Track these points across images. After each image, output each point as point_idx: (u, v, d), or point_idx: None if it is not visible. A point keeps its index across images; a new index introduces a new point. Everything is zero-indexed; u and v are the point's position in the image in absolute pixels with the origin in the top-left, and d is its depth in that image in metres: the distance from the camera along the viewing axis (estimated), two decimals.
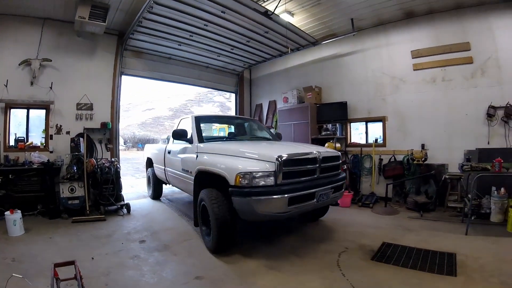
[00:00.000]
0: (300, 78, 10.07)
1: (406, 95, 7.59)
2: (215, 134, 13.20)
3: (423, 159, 6.94)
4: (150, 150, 8.46)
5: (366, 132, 8.67)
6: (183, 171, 5.57)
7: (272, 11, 6.62)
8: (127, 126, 52.22)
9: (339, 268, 3.76)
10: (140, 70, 9.11)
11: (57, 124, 7.20)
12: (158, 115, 60.93)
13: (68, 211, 6.12)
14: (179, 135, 5.39)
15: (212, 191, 4.28)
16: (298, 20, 7.73)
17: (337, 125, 8.66)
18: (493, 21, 6.38)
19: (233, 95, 12.49)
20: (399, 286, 3.24)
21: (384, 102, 7.99)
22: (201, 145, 5.10)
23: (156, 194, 8.20)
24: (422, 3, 6.78)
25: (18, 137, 6.79)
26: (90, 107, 7.63)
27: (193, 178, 4.90)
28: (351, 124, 8.92)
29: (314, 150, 4.47)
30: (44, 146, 7.06)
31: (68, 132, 7.27)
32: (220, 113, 42.90)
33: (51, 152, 6.99)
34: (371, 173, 7.94)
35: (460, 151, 6.46)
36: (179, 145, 5.95)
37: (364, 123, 8.66)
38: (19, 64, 6.68)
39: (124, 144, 42.76)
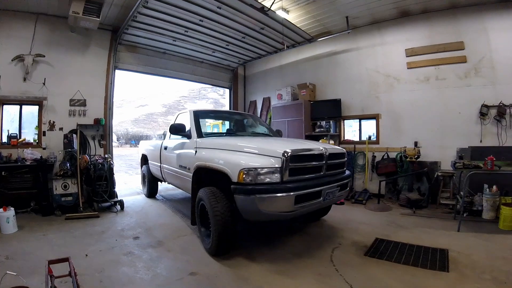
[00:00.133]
0: (295, 75, 10.08)
1: (400, 93, 7.64)
2: (209, 131, 13.11)
3: (416, 156, 7.01)
4: (145, 147, 8.22)
5: (360, 130, 8.72)
6: (181, 168, 5.34)
7: (269, 7, 6.61)
8: (120, 123, 52.01)
9: (332, 263, 3.78)
10: (134, 64, 9.05)
11: (50, 121, 7.14)
12: (151, 112, 60.74)
13: (62, 208, 6.08)
14: (177, 129, 5.12)
15: (212, 189, 4.04)
16: (293, 17, 7.72)
17: (331, 122, 8.73)
18: (488, 21, 6.45)
19: (227, 91, 12.48)
20: (392, 281, 3.27)
21: (378, 100, 8.04)
22: (200, 140, 4.88)
23: (151, 192, 7.99)
24: (417, 2, 6.83)
25: (11, 134, 6.71)
26: (83, 103, 7.58)
27: (191, 175, 4.65)
28: (345, 121, 8.97)
29: (320, 146, 4.26)
30: (37, 142, 7.00)
31: (61, 129, 7.22)
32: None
33: (44, 148, 6.92)
34: (364, 170, 7.99)
35: (453, 149, 6.55)
36: (176, 140, 5.73)
37: (358, 120, 8.72)
38: (12, 60, 6.60)
39: (117, 140, 42.61)
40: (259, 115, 11.27)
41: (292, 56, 10.10)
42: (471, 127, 6.57)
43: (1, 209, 4.91)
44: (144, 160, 8.08)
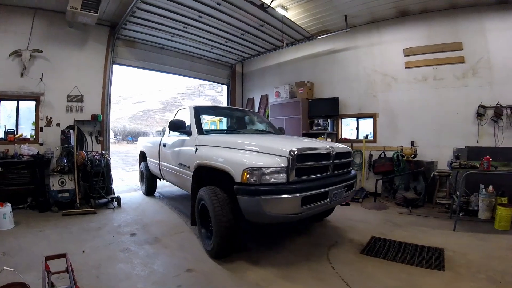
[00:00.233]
0: (293, 73, 10.08)
1: (397, 93, 7.66)
2: (205, 128, 12.98)
3: (412, 155, 7.05)
4: (143, 143, 8.07)
5: (357, 128, 8.75)
6: (180, 166, 5.15)
7: (268, 4, 6.60)
8: (117, 119, 51.81)
9: (328, 261, 3.81)
10: (132, 59, 9.01)
11: (47, 116, 7.10)
12: (148, 108, 60.54)
13: (58, 204, 6.07)
14: (176, 126, 4.95)
15: (214, 189, 3.85)
16: (292, 15, 7.70)
17: (328, 120, 8.76)
18: (486, 22, 6.48)
19: (225, 89, 12.48)
20: (387, 279, 3.30)
21: (376, 99, 8.06)
22: (201, 137, 4.70)
23: (150, 190, 7.82)
24: (416, 2, 6.84)
25: (8, 129, 6.64)
26: (80, 99, 7.54)
27: (192, 173, 4.48)
28: (342, 120, 8.99)
29: (327, 145, 4.08)
30: (34, 138, 6.95)
31: (58, 124, 7.17)
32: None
33: (41, 144, 6.88)
34: (361, 168, 8.01)
35: (450, 149, 6.59)
36: (176, 137, 5.56)
37: (355, 119, 8.73)
38: (9, 55, 6.53)
39: (114, 137, 42.47)
40: None
41: (290, 54, 10.10)
42: (468, 127, 6.60)
43: None
44: (143, 157, 7.92)
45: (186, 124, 5.08)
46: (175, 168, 5.44)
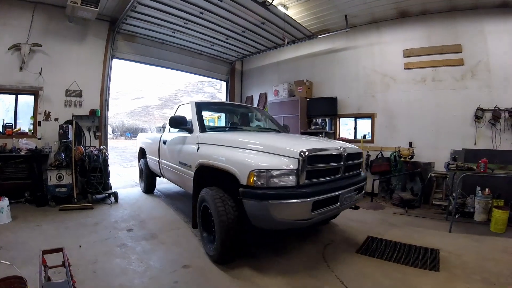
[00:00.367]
0: (292, 72, 10.09)
1: (396, 93, 7.68)
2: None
3: (410, 156, 7.07)
4: (143, 139, 7.86)
5: (355, 128, 8.76)
6: (181, 165, 4.89)
7: (270, 1, 6.60)
8: (115, 115, 51.75)
9: (324, 260, 3.83)
10: (131, 54, 8.97)
11: (45, 111, 7.08)
12: (147, 104, 60.44)
13: (56, 199, 6.07)
14: (177, 122, 4.67)
15: (217, 190, 3.62)
16: (292, 13, 7.68)
17: (327, 119, 8.76)
18: (486, 25, 6.50)
19: (224, 86, 12.48)
20: (383, 279, 3.32)
21: (374, 99, 8.08)
22: (203, 134, 4.42)
23: (149, 187, 7.68)
24: (416, 3, 6.86)
25: (6, 123, 6.63)
26: (79, 93, 7.52)
27: (193, 173, 4.24)
28: (341, 119, 8.99)
29: (337, 145, 3.84)
30: (32, 132, 6.94)
31: (56, 119, 7.15)
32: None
33: (39, 139, 6.88)
34: None
35: (447, 150, 6.61)
36: (176, 134, 5.30)
37: (353, 119, 8.75)
38: (8, 49, 6.50)
39: (112, 132, 42.40)
40: None
41: (290, 52, 10.10)
42: (466, 130, 6.63)
43: None
44: (142, 153, 7.75)
45: (188, 120, 4.83)
46: (175, 167, 5.19)
